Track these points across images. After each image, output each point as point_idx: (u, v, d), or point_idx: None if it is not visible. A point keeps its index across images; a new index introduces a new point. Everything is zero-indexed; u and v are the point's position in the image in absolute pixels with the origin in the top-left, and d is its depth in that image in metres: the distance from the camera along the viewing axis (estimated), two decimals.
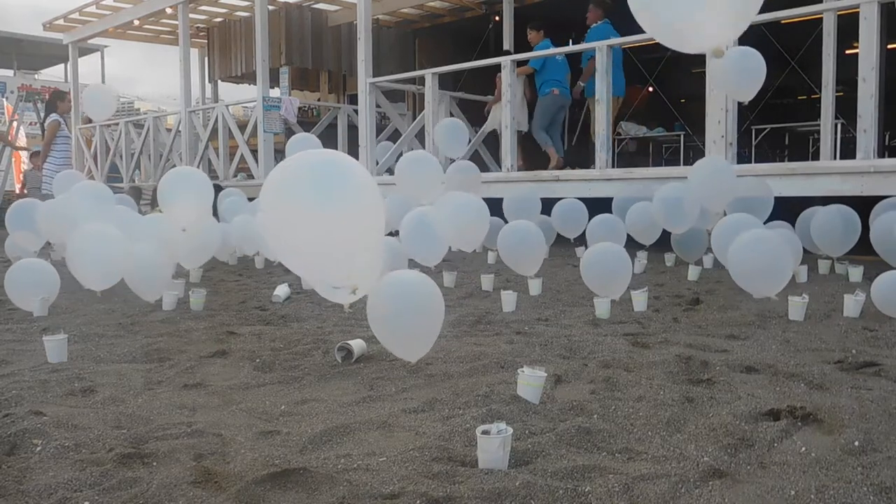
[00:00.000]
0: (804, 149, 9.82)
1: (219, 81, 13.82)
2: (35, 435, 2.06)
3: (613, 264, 3.92)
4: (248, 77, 12.64)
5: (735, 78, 4.67)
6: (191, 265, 5.15)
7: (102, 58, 18.78)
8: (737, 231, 4.05)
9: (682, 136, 9.79)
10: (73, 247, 3.61)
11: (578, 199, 6.11)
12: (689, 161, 9.80)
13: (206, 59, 13.96)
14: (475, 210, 4.75)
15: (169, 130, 11.66)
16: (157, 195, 7.06)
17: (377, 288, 2.59)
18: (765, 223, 4.77)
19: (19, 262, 4.32)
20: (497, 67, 7.96)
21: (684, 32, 2.32)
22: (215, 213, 5.96)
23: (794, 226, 5.08)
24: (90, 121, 13.57)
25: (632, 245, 5.88)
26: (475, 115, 9.52)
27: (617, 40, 6.92)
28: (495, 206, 5.56)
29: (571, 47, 7.61)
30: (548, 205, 6.14)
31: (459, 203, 4.70)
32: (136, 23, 12.29)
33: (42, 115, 10.07)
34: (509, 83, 7.57)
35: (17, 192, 14.42)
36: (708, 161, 5.44)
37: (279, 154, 10.03)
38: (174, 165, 11.37)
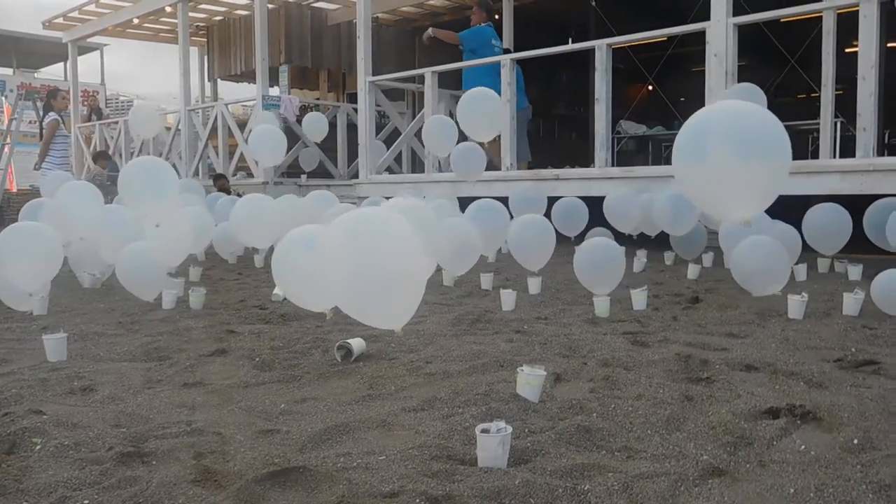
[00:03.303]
0: (803, 147, 9.82)
1: (218, 80, 13.82)
2: (35, 433, 2.06)
3: (606, 259, 3.95)
4: (248, 76, 12.64)
5: None
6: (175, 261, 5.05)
7: (102, 56, 18.79)
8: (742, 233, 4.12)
9: None
10: (2, 246, 3.48)
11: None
12: None
13: (206, 57, 13.95)
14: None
15: (168, 129, 11.66)
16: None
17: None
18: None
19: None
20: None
21: (717, 207, 3.04)
22: None
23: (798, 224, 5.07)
24: (89, 119, 13.57)
25: (631, 244, 5.89)
26: None
27: (616, 39, 6.92)
28: None
29: (571, 46, 7.60)
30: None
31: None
32: (136, 21, 12.28)
33: (41, 113, 10.06)
34: (508, 82, 7.56)
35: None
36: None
37: None
38: (174, 164, 11.37)
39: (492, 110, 5.95)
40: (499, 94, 8.12)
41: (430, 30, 8.30)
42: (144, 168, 4.38)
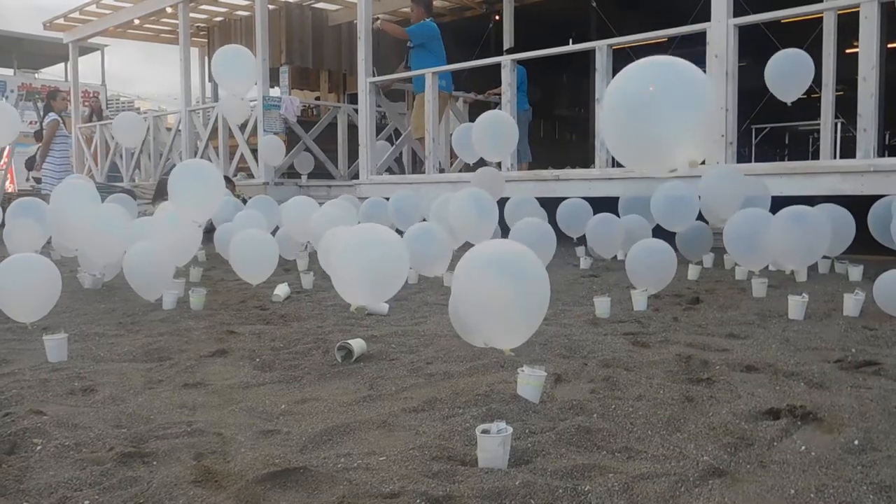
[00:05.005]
0: (804, 148, 9.84)
1: None
2: (35, 434, 2.06)
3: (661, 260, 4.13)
4: None
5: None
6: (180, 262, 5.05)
7: (102, 57, 18.85)
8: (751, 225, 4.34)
9: None
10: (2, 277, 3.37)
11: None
12: None
13: (207, 58, 13.94)
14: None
15: (169, 129, 11.66)
16: (159, 191, 6.90)
17: None
18: None
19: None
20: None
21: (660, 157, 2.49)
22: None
23: None
24: (90, 119, 13.58)
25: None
26: (475, 114, 9.51)
27: (617, 39, 6.91)
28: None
29: (571, 46, 7.60)
30: (546, 204, 6.13)
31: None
32: (137, 22, 12.29)
33: (41, 114, 10.09)
34: (509, 82, 7.56)
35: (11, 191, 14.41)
36: (717, 170, 5.42)
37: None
38: (174, 165, 11.37)
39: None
40: (451, 89, 8.33)
41: (379, 21, 8.38)
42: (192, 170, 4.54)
